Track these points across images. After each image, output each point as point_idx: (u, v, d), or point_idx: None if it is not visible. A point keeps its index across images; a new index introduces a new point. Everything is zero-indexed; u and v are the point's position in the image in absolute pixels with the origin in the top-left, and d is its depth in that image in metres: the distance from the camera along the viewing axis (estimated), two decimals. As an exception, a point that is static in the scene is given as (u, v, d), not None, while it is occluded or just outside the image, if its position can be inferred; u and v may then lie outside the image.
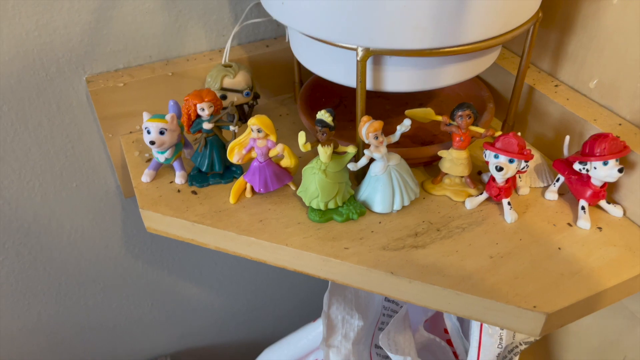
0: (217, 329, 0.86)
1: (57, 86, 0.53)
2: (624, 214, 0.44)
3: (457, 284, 0.39)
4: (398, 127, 0.42)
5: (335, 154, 0.44)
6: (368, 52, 0.40)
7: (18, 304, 0.67)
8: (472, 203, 0.45)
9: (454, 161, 0.45)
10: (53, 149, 0.57)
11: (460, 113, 0.43)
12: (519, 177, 0.47)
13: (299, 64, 0.57)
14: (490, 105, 0.51)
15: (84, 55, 0.53)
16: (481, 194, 0.45)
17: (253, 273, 0.82)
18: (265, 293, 0.86)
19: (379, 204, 0.45)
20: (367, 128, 0.42)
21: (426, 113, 0.45)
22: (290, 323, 0.85)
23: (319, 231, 0.44)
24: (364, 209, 0.45)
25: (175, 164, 0.50)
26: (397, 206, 0.45)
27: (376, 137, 0.42)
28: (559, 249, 0.42)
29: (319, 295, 0.90)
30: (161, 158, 0.49)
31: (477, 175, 0.49)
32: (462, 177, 0.46)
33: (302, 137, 0.43)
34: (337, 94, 0.58)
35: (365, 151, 0.43)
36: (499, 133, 0.46)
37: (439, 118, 0.45)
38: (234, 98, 0.53)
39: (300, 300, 0.90)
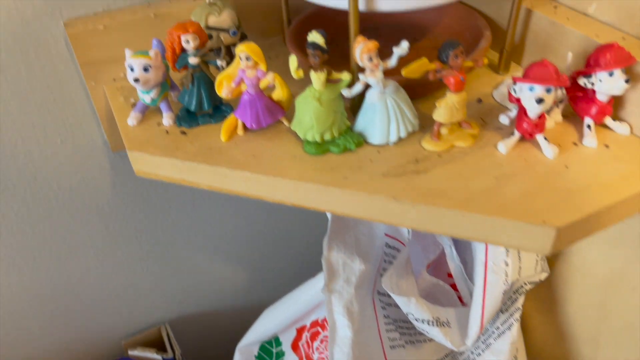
0: (216, 293, 0.84)
1: (34, 32, 0.51)
2: (631, 131, 0.43)
3: (462, 204, 0.38)
4: (395, 50, 0.40)
5: (330, 81, 0.42)
6: (360, -36, 0.37)
7: (7, 270, 0.65)
8: (507, 146, 0.41)
9: (454, 107, 0.41)
10: (34, 101, 0.55)
11: (454, 52, 0.39)
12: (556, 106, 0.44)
13: (286, 1, 0.54)
14: (487, 33, 0.49)
15: (61, -3, 0.50)
16: (511, 134, 0.42)
17: (249, 234, 0.80)
18: (263, 253, 0.84)
19: (376, 135, 0.43)
20: (361, 49, 0.40)
21: (420, 64, 0.40)
22: (290, 283, 0.83)
23: (316, 163, 0.42)
24: (361, 139, 0.44)
25: (162, 105, 0.47)
26: (393, 137, 0.43)
27: (371, 59, 0.40)
28: (566, 167, 0.40)
29: (317, 252, 0.89)
30: (147, 99, 0.46)
31: (477, 104, 0.47)
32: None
33: (293, 61, 0.41)
34: (329, 34, 0.56)
35: (360, 76, 0.41)
36: (485, 60, 0.43)
37: (434, 66, 0.40)
38: (221, 38, 0.51)
39: (299, 260, 0.88)
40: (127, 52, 0.45)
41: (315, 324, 0.76)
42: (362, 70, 0.42)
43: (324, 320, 0.75)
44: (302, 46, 0.51)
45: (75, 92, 0.56)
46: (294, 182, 0.41)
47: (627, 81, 0.39)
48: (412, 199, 0.39)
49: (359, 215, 0.41)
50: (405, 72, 0.40)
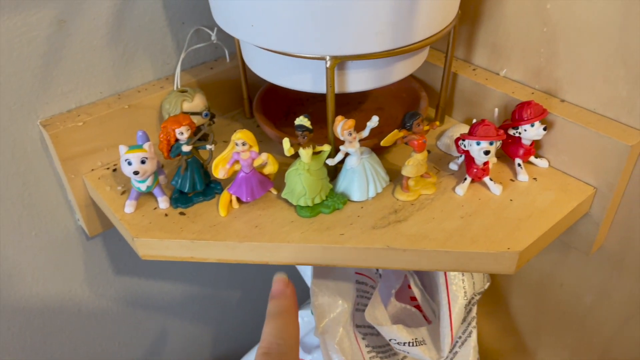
0: (184, 351, 0.86)
1: (10, 135, 0.52)
2: (549, 164, 0.54)
3: (443, 244, 0.46)
4: (368, 124, 0.48)
5: (314, 154, 0.49)
6: (336, 60, 0.45)
7: (-19, 372, 0.63)
8: (463, 189, 0.51)
9: (419, 163, 0.49)
10: (10, 199, 0.55)
11: (416, 121, 0.47)
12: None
13: (246, 81, 0.61)
14: (423, 94, 0.59)
15: (36, 99, 0.52)
16: (464, 179, 0.51)
17: (217, 300, 0.84)
18: (232, 312, 0.88)
19: (356, 193, 0.51)
20: (342, 126, 0.47)
21: (393, 135, 0.49)
22: (253, 333, 0.87)
23: (313, 225, 0.49)
24: (346, 198, 0.51)
25: (156, 191, 0.51)
26: (371, 193, 0.51)
27: (350, 134, 0.48)
28: (511, 200, 0.50)
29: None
30: (143, 187, 0.50)
31: (427, 154, 0.57)
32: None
33: (287, 143, 0.47)
34: (285, 105, 0.63)
35: (341, 147, 0.49)
36: (438, 123, 0.53)
37: (402, 134, 0.49)
38: (194, 120, 0.56)
39: (261, 310, 0.93)
40: (122, 148, 0.49)
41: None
42: (340, 141, 0.49)
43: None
44: (267, 116, 0.57)
45: (49, 186, 0.57)
46: (298, 245, 0.47)
47: (544, 129, 0.51)
48: (401, 244, 0.47)
49: (358, 265, 0.48)
50: (383, 142, 0.48)
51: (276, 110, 0.61)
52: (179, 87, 0.58)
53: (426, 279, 0.69)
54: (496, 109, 0.54)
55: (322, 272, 0.62)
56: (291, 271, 0.90)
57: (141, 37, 0.56)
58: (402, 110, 0.61)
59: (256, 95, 0.60)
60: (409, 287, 0.69)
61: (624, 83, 0.48)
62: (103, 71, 0.55)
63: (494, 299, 0.74)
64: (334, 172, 0.53)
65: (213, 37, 0.59)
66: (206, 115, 0.56)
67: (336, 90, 0.48)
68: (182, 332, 0.83)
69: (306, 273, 0.70)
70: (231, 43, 0.62)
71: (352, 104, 0.64)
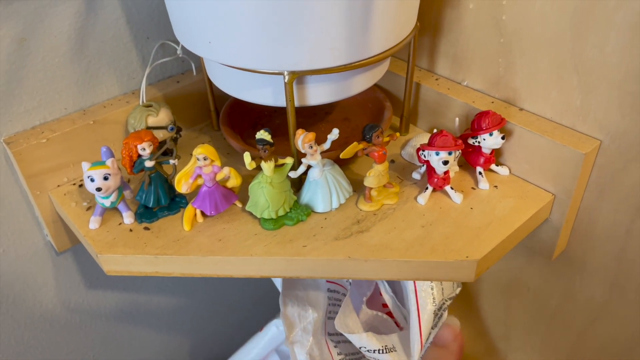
0: (161, 365, 0.86)
1: (-27, 153, 0.52)
2: (510, 172, 0.55)
3: (403, 253, 0.47)
4: (328, 136, 0.49)
5: (276, 166, 0.50)
6: (294, 75, 0.46)
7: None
8: (424, 199, 0.52)
9: (380, 174, 0.50)
10: (-25, 218, 0.55)
11: (375, 133, 0.48)
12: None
13: (212, 94, 0.61)
14: (388, 104, 0.60)
15: (-2, 118, 0.53)
16: (426, 188, 0.52)
17: (192, 311, 0.84)
18: (208, 322, 0.88)
19: (320, 205, 0.51)
20: (302, 139, 0.48)
21: (353, 147, 0.49)
22: (229, 342, 0.88)
23: (276, 237, 0.49)
24: (310, 210, 0.51)
25: (120, 206, 0.51)
26: (335, 205, 0.52)
27: (311, 147, 0.48)
28: (471, 208, 0.51)
29: (252, 311, 0.94)
30: (107, 203, 0.50)
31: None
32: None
33: (247, 157, 0.48)
34: (252, 117, 0.63)
35: (303, 160, 0.50)
36: (398, 135, 0.54)
37: (362, 146, 0.49)
38: (159, 134, 0.56)
39: (235, 320, 0.93)
40: (85, 165, 0.49)
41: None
42: (302, 153, 0.50)
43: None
44: (233, 128, 0.58)
45: (15, 203, 0.57)
46: (261, 258, 0.48)
47: (503, 138, 0.52)
48: (363, 255, 0.47)
49: (320, 276, 0.49)
50: (342, 155, 0.49)
51: (243, 122, 0.62)
52: (145, 101, 0.58)
53: (397, 286, 0.70)
54: (456, 119, 0.55)
55: (292, 282, 0.63)
56: (264, 280, 0.90)
57: (105, 52, 0.57)
58: (368, 120, 0.62)
59: (223, 108, 0.61)
60: (380, 294, 0.70)
61: (577, 92, 0.49)
62: (67, 87, 0.56)
63: (465, 304, 0.75)
64: (299, 184, 0.53)
65: (179, 51, 0.60)
66: (171, 129, 0.57)
67: (297, 104, 0.49)
68: (156, 344, 0.83)
69: (279, 282, 0.71)
70: (197, 56, 0.62)
71: (319, 115, 0.65)
